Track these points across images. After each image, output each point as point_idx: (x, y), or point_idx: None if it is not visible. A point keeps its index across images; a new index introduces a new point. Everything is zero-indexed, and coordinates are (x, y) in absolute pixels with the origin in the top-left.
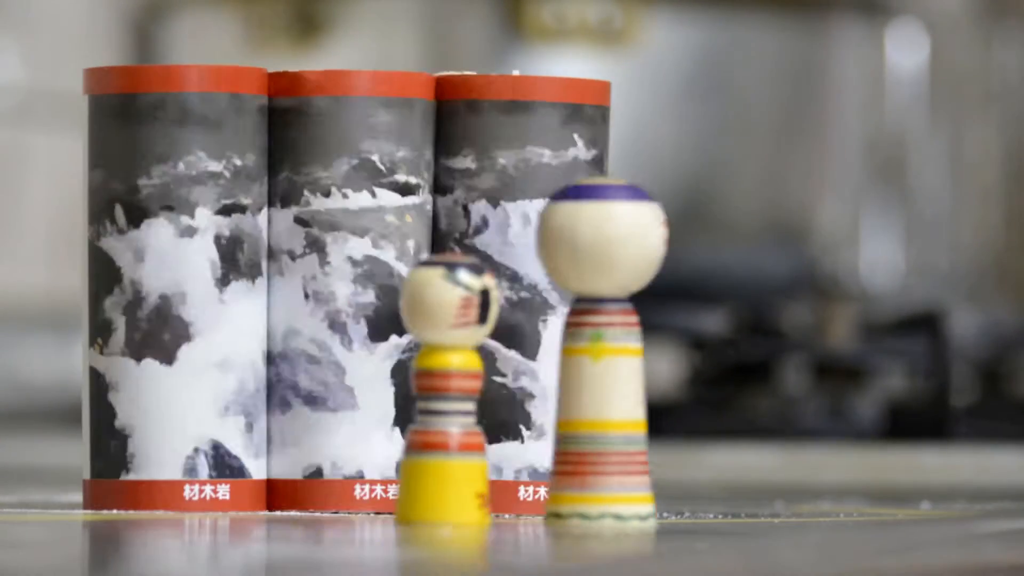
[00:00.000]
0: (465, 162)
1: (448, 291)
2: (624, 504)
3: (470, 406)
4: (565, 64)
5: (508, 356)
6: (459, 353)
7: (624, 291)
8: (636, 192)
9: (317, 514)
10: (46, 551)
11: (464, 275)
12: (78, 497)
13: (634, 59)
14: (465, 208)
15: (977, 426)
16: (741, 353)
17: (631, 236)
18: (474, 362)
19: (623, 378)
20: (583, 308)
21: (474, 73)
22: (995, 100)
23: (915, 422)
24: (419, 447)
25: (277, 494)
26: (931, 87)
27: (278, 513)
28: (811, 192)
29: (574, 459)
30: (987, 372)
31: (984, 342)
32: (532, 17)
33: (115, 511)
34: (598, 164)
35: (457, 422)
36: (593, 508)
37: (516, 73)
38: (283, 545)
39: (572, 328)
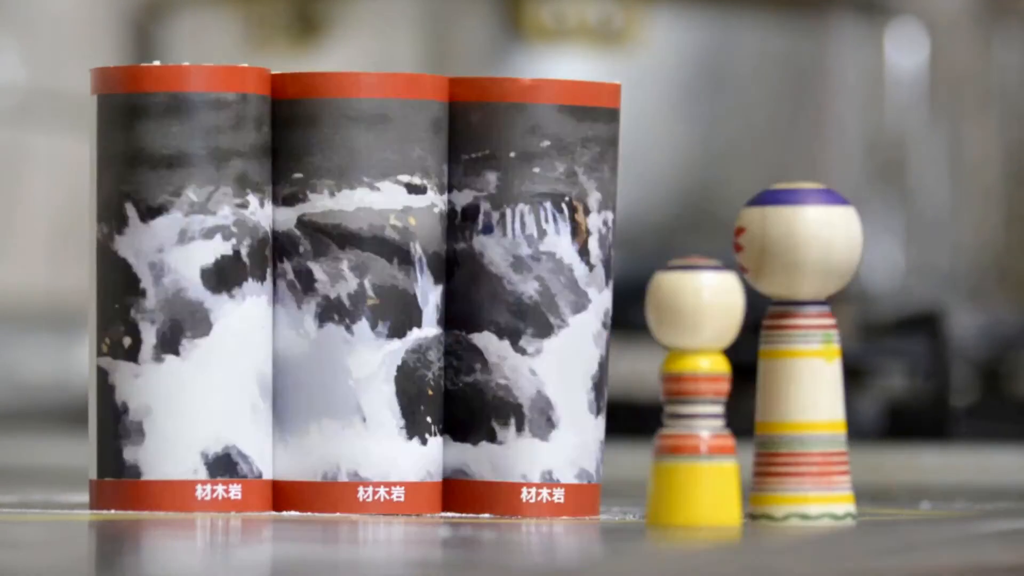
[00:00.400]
0: (475, 164)
1: (707, 296)
2: (822, 504)
3: (719, 409)
4: (565, 64)
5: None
6: (707, 356)
7: (824, 294)
8: (832, 196)
9: (356, 516)
10: (47, 551)
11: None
12: (79, 497)
13: (633, 59)
14: (474, 208)
15: (977, 426)
16: (740, 353)
17: (832, 240)
18: (722, 365)
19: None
20: (789, 311)
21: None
22: (995, 100)
23: (915, 422)
24: (669, 451)
25: (282, 496)
26: (931, 87)
27: (294, 514)
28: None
29: (816, 459)
30: (987, 372)
31: (984, 342)
32: (532, 17)
33: (121, 511)
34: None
35: (707, 425)
36: (781, 508)
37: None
38: (314, 546)
39: (787, 330)
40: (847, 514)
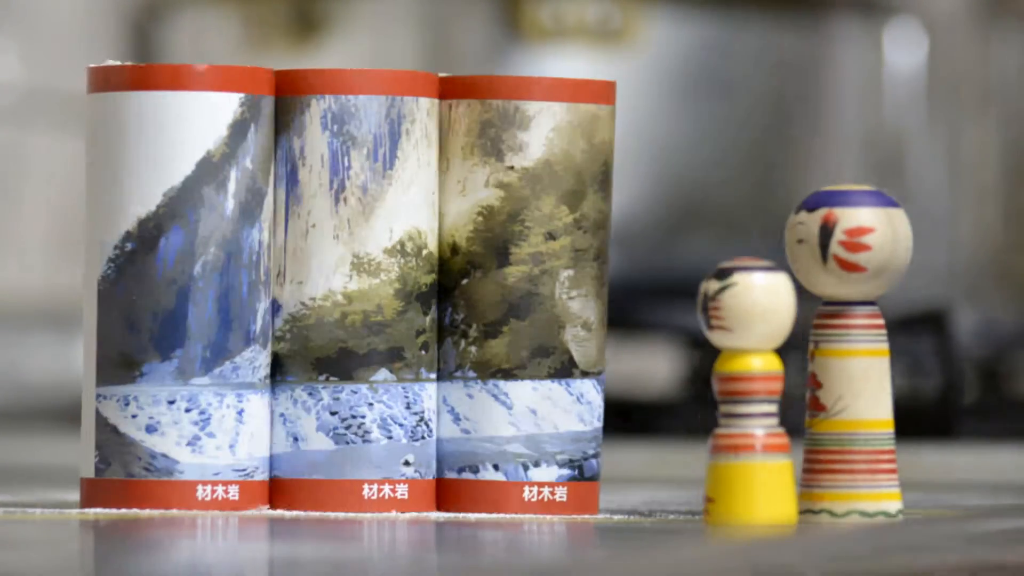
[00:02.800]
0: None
1: (760, 296)
2: (870, 501)
3: (773, 408)
4: (563, 64)
5: None
6: (760, 356)
7: (875, 295)
8: (877, 197)
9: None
10: (46, 551)
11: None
12: (79, 497)
13: (632, 59)
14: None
15: (977, 425)
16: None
17: (883, 244)
18: (775, 364)
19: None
20: (843, 312)
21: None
22: (993, 99)
23: (915, 421)
24: (724, 450)
25: (283, 494)
26: (929, 86)
27: (310, 514)
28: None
29: (858, 457)
30: (986, 371)
31: (983, 341)
32: (530, 17)
33: (119, 510)
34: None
35: (761, 424)
36: (840, 505)
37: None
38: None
39: (841, 329)
40: (898, 512)
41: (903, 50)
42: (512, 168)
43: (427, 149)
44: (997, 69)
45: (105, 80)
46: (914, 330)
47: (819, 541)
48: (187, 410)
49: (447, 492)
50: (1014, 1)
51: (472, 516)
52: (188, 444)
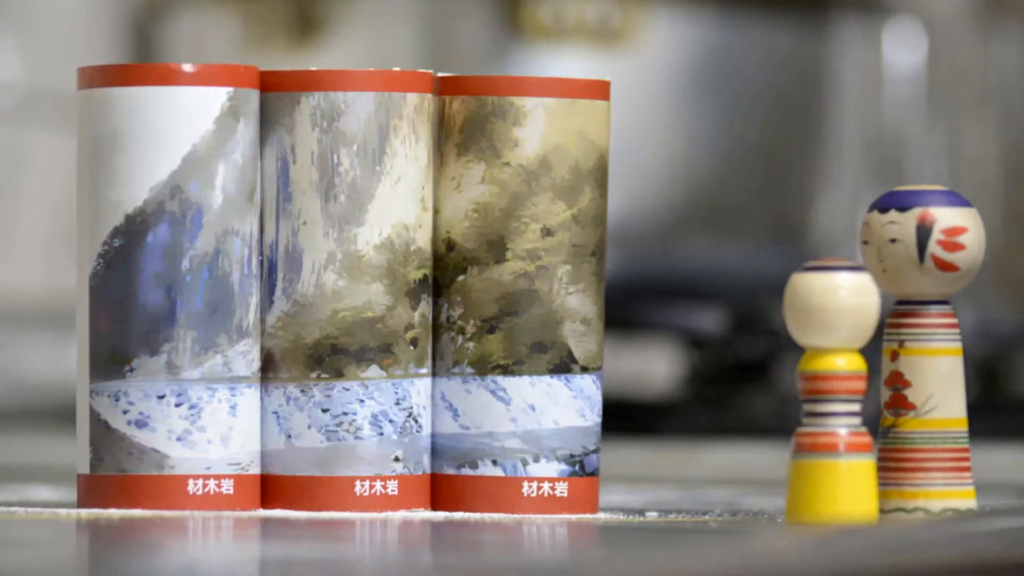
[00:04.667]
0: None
1: (843, 296)
2: (941, 499)
3: (856, 407)
4: (563, 63)
5: None
6: (843, 355)
7: (949, 293)
8: (960, 198)
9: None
10: (45, 550)
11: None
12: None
13: (632, 58)
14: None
15: (976, 425)
16: (739, 352)
17: (975, 243)
18: (859, 364)
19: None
20: (921, 311)
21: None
22: (993, 98)
23: None
24: (807, 448)
25: (275, 491)
26: (929, 85)
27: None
28: (809, 190)
29: (942, 454)
30: (985, 371)
31: (982, 340)
32: (530, 16)
33: (116, 509)
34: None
35: (844, 423)
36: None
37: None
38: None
39: (927, 328)
40: (969, 509)
41: (903, 50)
42: (508, 164)
43: (415, 145)
44: (997, 69)
45: (92, 78)
46: None
47: (819, 540)
48: (177, 404)
49: (446, 488)
50: (1014, 1)
51: (472, 515)
52: (178, 439)
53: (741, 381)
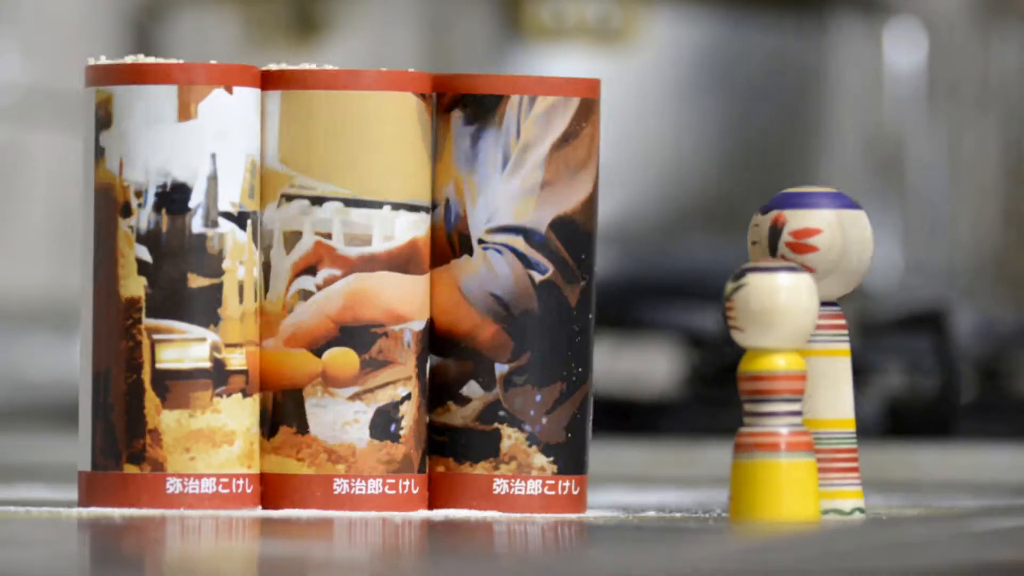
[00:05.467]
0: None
1: (783, 297)
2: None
3: (796, 407)
4: (563, 63)
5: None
6: (784, 355)
7: (833, 296)
8: (832, 199)
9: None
10: (46, 549)
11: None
12: (77, 494)
13: (632, 58)
14: None
15: (976, 424)
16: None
17: (831, 245)
18: (798, 364)
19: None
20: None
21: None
22: (993, 99)
23: (914, 420)
24: (749, 448)
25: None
26: (929, 86)
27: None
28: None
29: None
30: (985, 370)
31: (982, 340)
32: (531, 16)
33: (117, 508)
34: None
35: (785, 423)
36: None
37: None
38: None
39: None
40: (855, 509)
41: (903, 50)
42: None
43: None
44: (997, 69)
45: (105, 75)
46: (913, 329)
47: (817, 540)
48: None
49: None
50: (1014, 1)
51: (459, 512)
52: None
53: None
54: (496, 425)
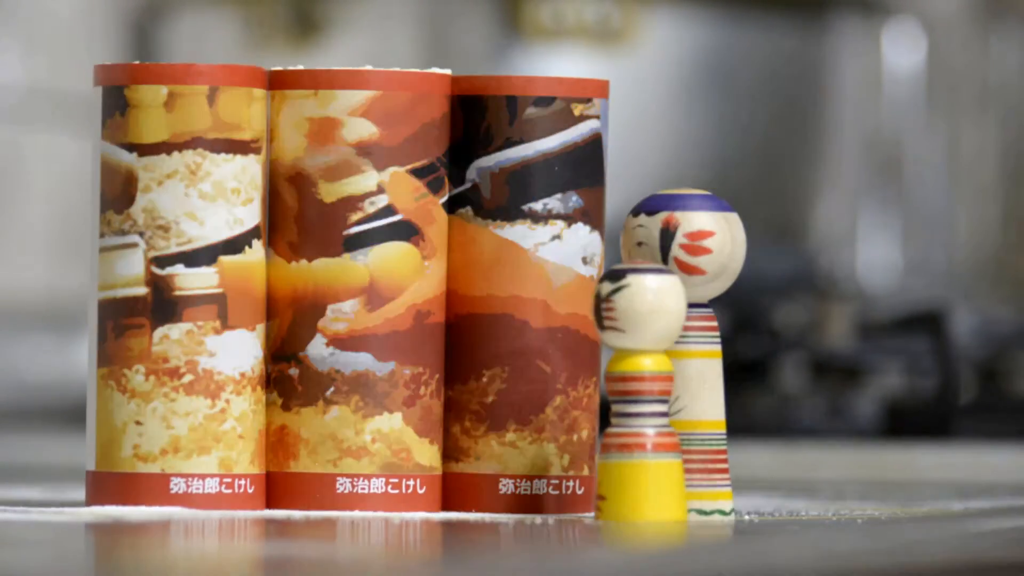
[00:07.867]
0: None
1: (651, 298)
2: (707, 500)
3: (663, 407)
4: (563, 63)
5: None
6: (651, 356)
7: (709, 298)
8: (714, 202)
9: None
10: (47, 549)
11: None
12: (80, 495)
13: (632, 58)
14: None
15: (974, 425)
16: (738, 352)
17: (722, 247)
18: (665, 365)
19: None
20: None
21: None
22: (992, 99)
23: (913, 421)
24: (616, 449)
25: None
26: (928, 86)
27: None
28: (809, 191)
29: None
30: (985, 371)
31: (981, 340)
32: (530, 16)
33: (118, 507)
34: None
35: (652, 423)
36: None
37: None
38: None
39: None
40: (731, 510)
41: (902, 50)
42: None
43: None
44: (996, 69)
45: (112, 75)
46: (912, 330)
47: (817, 539)
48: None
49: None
50: (1013, 1)
51: (471, 515)
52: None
53: (740, 381)
54: None
